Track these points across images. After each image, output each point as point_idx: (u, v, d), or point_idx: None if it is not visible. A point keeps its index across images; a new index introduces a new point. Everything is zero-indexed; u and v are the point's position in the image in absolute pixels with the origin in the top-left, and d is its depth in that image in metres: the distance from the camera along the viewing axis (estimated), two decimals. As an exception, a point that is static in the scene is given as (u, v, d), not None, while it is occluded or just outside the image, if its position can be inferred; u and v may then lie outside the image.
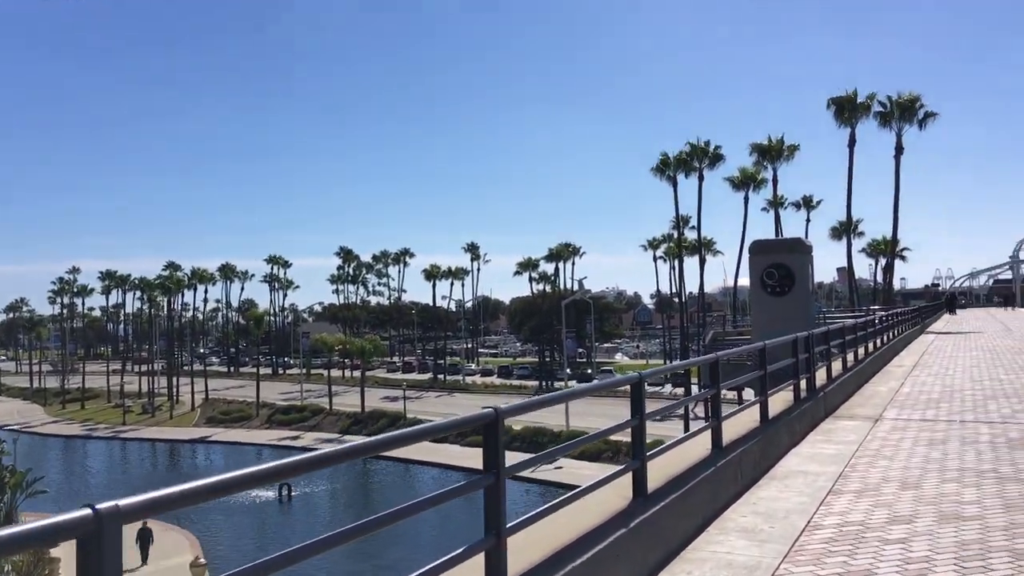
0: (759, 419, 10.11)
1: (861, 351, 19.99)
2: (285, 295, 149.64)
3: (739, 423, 9.53)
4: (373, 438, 3.84)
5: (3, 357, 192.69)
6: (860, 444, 10.89)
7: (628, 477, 6.20)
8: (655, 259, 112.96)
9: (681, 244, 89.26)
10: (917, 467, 9.38)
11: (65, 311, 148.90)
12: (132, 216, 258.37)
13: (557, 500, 4.95)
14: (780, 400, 11.66)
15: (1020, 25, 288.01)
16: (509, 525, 4.22)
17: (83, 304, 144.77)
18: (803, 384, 12.80)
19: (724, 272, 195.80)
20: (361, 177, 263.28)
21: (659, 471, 6.80)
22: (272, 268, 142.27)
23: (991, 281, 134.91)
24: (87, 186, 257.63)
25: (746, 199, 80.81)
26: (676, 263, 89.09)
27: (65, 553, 41.87)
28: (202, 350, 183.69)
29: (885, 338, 26.40)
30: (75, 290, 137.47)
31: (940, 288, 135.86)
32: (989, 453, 10.08)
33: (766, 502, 7.80)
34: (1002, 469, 9.13)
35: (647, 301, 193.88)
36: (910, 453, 10.24)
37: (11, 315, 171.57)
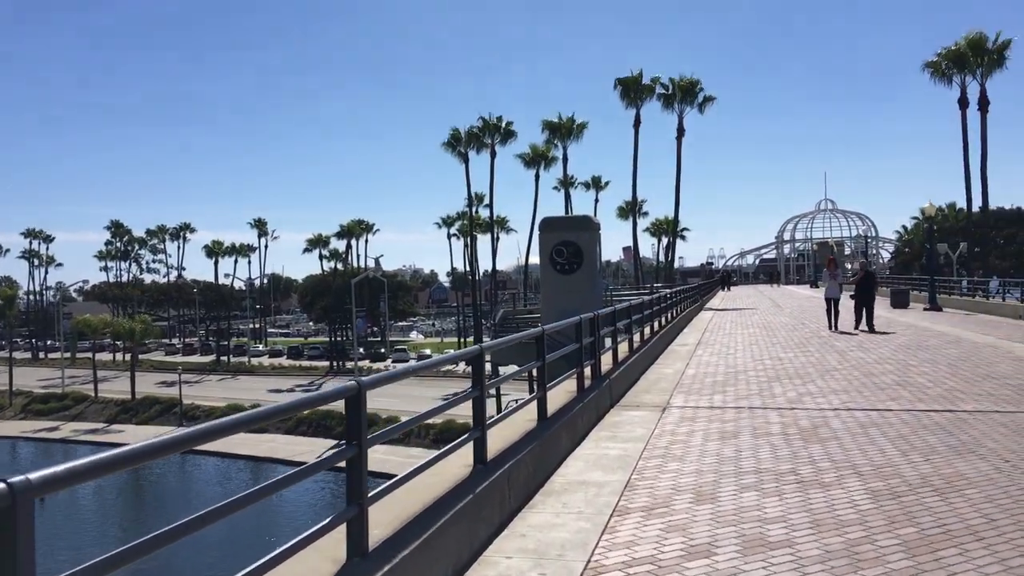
0: (536, 418, 8.60)
1: (647, 331, 19.29)
2: (46, 272, 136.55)
3: (511, 427, 7.96)
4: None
5: None
6: (648, 441, 9.67)
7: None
8: (449, 237, 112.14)
9: (474, 221, 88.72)
10: (710, 469, 8.20)
11: None
12: None
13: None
14: (562, 392, 10.26)
15: (795, 24, 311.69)
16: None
17: None
18: (588, 371, 11.52)
19: (519, 250, 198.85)
20: (133, 143, 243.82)
21: (393, 515, 5.13)
22: (31, 243, 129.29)
23: (758, 260, 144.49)
24: None
25: (537, 176, 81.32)
26: (469, 241, 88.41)
27: None
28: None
29: (669, 316, 26.22)
30: None
31: (714, 267, 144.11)
32: (784, 448, 9.11)
33: (538, 532, 6.23)
34: (801, 470, 8.10)
35: (443, 279, 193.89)
36: (701, 451, 9.10)
37: None
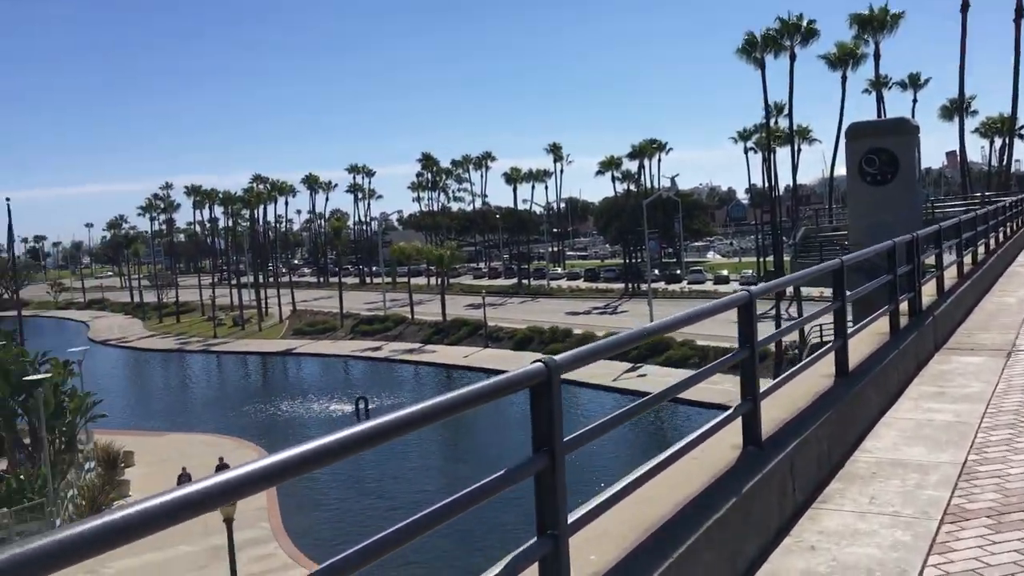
0: (833, 373, 6.80)
1: (981, 250, 16.09)
2: (368, 204, 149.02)
3: (799, 388, 6.25)
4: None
5: (109, 273, 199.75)
6: (989, 401, 7.46)
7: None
8: (746, 151, 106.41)
9: (772, 133, 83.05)
10: (1087, 449, 5.97)
11: (163, 227, 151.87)
12: (224, 133, 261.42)
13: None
14: (870, 336, 8.26)
15: None
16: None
17: (161, 220, 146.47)
18: (904, 307, 9.31)
19: (823, 161, 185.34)
20: (441, 82, 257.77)
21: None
22: (355, 177, 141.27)
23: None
24: (180, 105, 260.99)
25: (844, 79, 73.89)
26: (768, 154, 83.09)
27: (135, 474, 41.75)
28: (296, 261, 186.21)
29: (1008, 231, 22.13)
30: (163, 206, 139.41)
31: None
32: None
33: (833, 544, 4.59)
34: None
35: (741, 196, 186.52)
36: (1070, 417, 6.80)
37: (112, 232, 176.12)
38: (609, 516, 3.60)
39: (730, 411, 4.87)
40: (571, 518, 3.27)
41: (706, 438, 4.54)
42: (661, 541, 3.76)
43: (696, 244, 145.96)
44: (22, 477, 33.91)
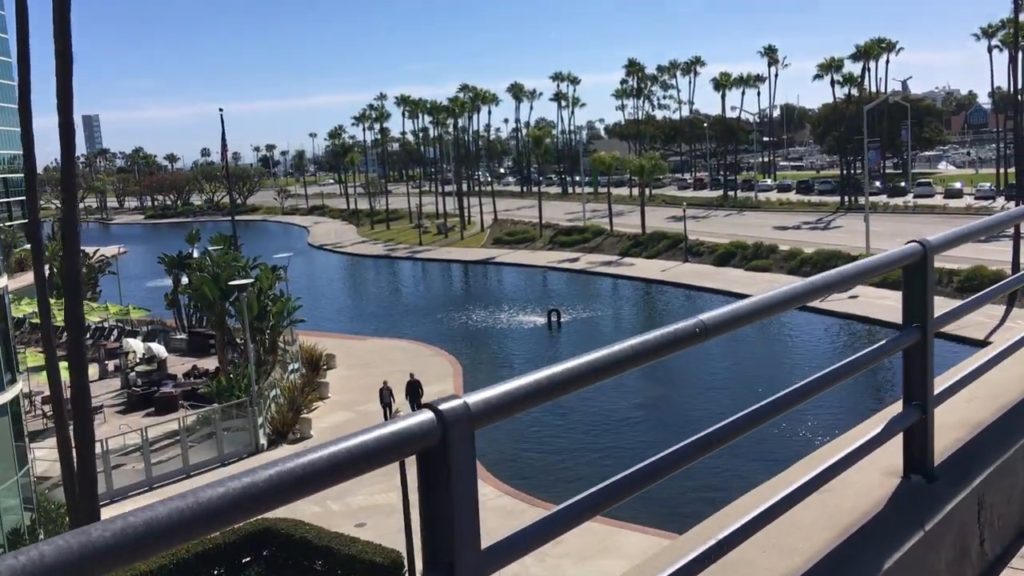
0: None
1: None
2: (572, 113, 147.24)
3: (989, 391, 4.44)
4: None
5: (330, 181, 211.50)
6: None
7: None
8: (990, 50, 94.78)
9: (1020, 28, 72.90)
10: None
11: (379, 136, 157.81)
12: (438, 48, 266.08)
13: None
14: None
15: None
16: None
17: (376, 130, 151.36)
18: None
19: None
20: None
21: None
22: (559, 85, 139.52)
23: None
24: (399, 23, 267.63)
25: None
26: (1016, 52, 73.19)
27: (335, 376, 43.79)
28: (502, 170, 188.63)
29: None
30: (375, 116, 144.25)
31: None
32: None
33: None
34: None
35: (983, 101, 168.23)
36: None
37: (332, 141, 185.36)
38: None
39: (880, 427, 3.29)
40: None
41: (845, 467, 3.05)
42: None
43: (927, 154, 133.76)
44: (232, 376, 36.26)
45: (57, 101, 16.83)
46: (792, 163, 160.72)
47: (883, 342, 3.35)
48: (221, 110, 65.72)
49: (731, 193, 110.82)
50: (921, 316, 3.33)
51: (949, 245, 3.51)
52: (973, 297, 4.01)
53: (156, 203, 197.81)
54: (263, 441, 33.02)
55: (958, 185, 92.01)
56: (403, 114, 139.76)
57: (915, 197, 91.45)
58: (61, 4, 16.27)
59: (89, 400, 16.43)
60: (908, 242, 3.36)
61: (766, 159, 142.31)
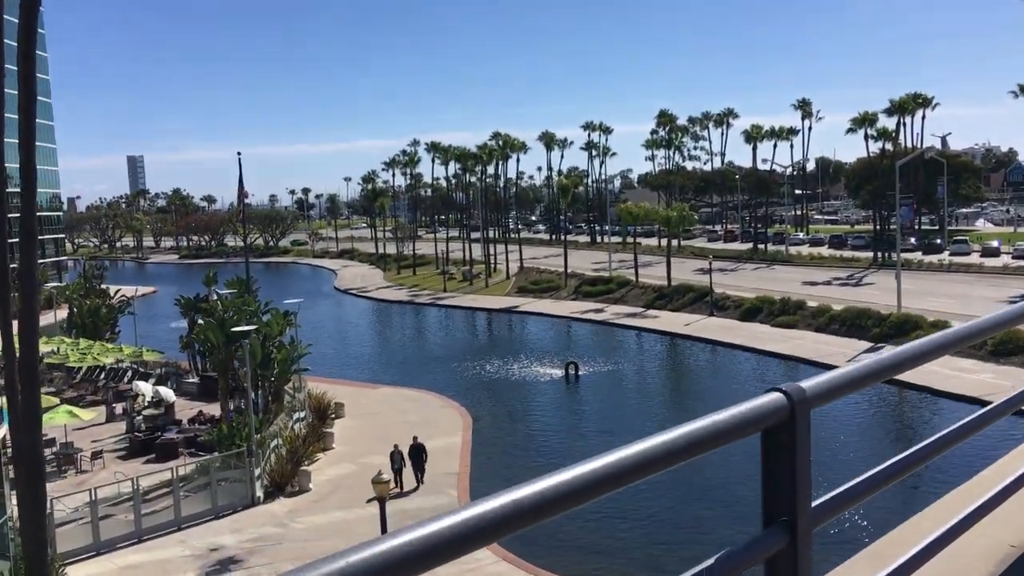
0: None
1: None
2: (603, 162, 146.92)
3: None
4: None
5: (363, 225, 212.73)
6: None
7: None
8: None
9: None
10: None
11: (412, 181, 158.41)
12: (468, 97, 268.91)
13: None
14: None
15: None
16: None
17: (409, 175, 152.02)
18: None
19: None
20: (674, 42, 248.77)
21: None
22: (589, 135, 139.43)
23: None
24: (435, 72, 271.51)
25: None
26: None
27: (341, 426, 42.74)
28: (533, 218, 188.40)
29: None
30: (405, 161, 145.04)
31: None
32: None
33: None
34: None
35: (1023, 158, 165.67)
36: None
37: (365, 186, 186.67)
38: None
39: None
40: None
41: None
42: None
43: (964, 211, 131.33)
44: (234, 423, 35.43)
45: (20, 135, 16.35)
46: (827, 216, 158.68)
47: (737, 547, 2.02)
48: (239, 153, 65.70)
49: (761, 246, 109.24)
50: (789, 507, 2.15)
51: (830, 395, 2.26)
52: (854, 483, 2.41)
53: (191, 243, 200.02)
54: (259, 493, 32.01)
55: (995, 244, 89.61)
56: (432, 160, 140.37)
57: (951, 255, 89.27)
58: (27, 41, 15.84)
59: (41, 462, 15.54)
60: (769, 390, 2.16)
61: (800, 212, 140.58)
